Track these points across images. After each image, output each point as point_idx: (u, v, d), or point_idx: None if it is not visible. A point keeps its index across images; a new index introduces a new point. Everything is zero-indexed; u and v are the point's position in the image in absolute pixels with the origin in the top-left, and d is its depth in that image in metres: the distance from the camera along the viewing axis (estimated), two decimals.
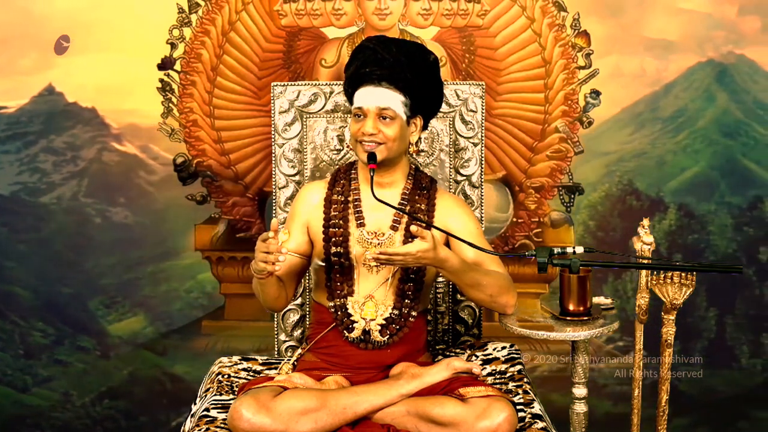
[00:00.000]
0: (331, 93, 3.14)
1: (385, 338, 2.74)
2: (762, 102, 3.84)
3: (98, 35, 3.74)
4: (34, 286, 3.93)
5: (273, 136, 3.15)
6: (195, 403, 2.83)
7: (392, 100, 2.68)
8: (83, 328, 3.95)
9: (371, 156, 2.66)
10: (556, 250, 2.51)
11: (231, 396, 2.79)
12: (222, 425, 2.62)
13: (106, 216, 3.90)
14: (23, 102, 3.83)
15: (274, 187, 3.16)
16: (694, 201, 3.86)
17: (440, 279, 3.11)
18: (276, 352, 3.21)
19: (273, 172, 3.16)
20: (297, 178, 3.15)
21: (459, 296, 3.17)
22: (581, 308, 2.87)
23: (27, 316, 3.92)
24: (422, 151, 3.10)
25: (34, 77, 3.80)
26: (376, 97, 2.68)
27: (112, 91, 3.78)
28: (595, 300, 2.97)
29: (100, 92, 3.80)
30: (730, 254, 3.86)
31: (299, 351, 2.89)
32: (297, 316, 3.18)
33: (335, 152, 3.15)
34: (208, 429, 2.61)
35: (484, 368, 2.94)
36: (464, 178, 3.15)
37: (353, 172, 2.85)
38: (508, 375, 2.91)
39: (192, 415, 2.75)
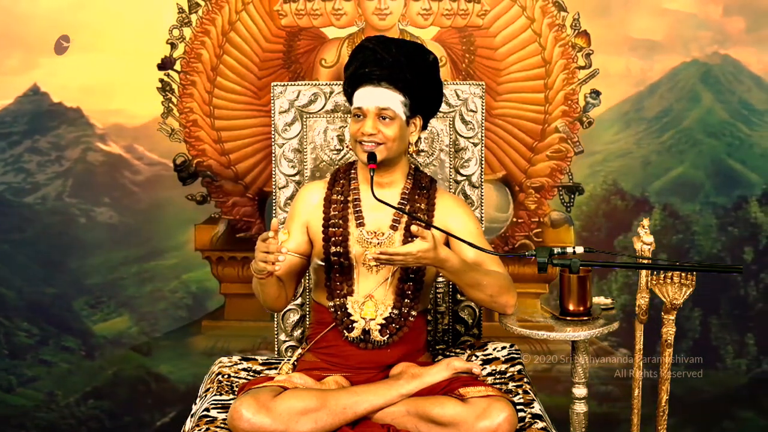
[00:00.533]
0: (331, 93, 3.14)
1: (385, 338, 2.74)
2: (747, 102, 3.85)
3: (82, 36, 3.74)
4: (19, 286, 3.93)
5: (273, 136, 3.15)
6: (195, 403, 2.83)
7: (392, 100, 2.68)
8: (68, 328, 3.95)
9: (371, 156, 2.66)
10: (556, 250, 2.51)
11: (231, 396, 2.79)
12: (222, 425, 2.62)
13: (91, 216, 3.90)
14: (8, 102, 3.83)
15: (274, 187, 3.16)
16: (678, 201, 3.86)
17: (440, 279, 3.11)
18: (276, 352, 3.21)
19: (273, 172, 3.16)
20: (297, 178, 3.14)
21: (459, 296, 3.17)
22: (581, 308, 2.87)
23: (12, 316, 3.92)
24: (422, 151, 3.10)
25: (19, 77, 3.80)
26: (375, 97, 2.68)
27: (96, 91, 3.79)
28: (595, 300, 2.97)
29: (84, 92, 3.79)
30: (715, 254, 3.86)
31: (299, 351, 2.89)
32: (297, 316, 3.18)
33: (335, 152, 3.15)
34: (208, 429, 2.61)
35: (484, 368, 2.94)
36: (464, 178, 3.15)
37: (353, 171, 2.85)
38: (508, 375, 2.91)
39: (192, 415, 2.75)
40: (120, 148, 3.86)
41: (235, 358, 3.04)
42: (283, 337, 3.19)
